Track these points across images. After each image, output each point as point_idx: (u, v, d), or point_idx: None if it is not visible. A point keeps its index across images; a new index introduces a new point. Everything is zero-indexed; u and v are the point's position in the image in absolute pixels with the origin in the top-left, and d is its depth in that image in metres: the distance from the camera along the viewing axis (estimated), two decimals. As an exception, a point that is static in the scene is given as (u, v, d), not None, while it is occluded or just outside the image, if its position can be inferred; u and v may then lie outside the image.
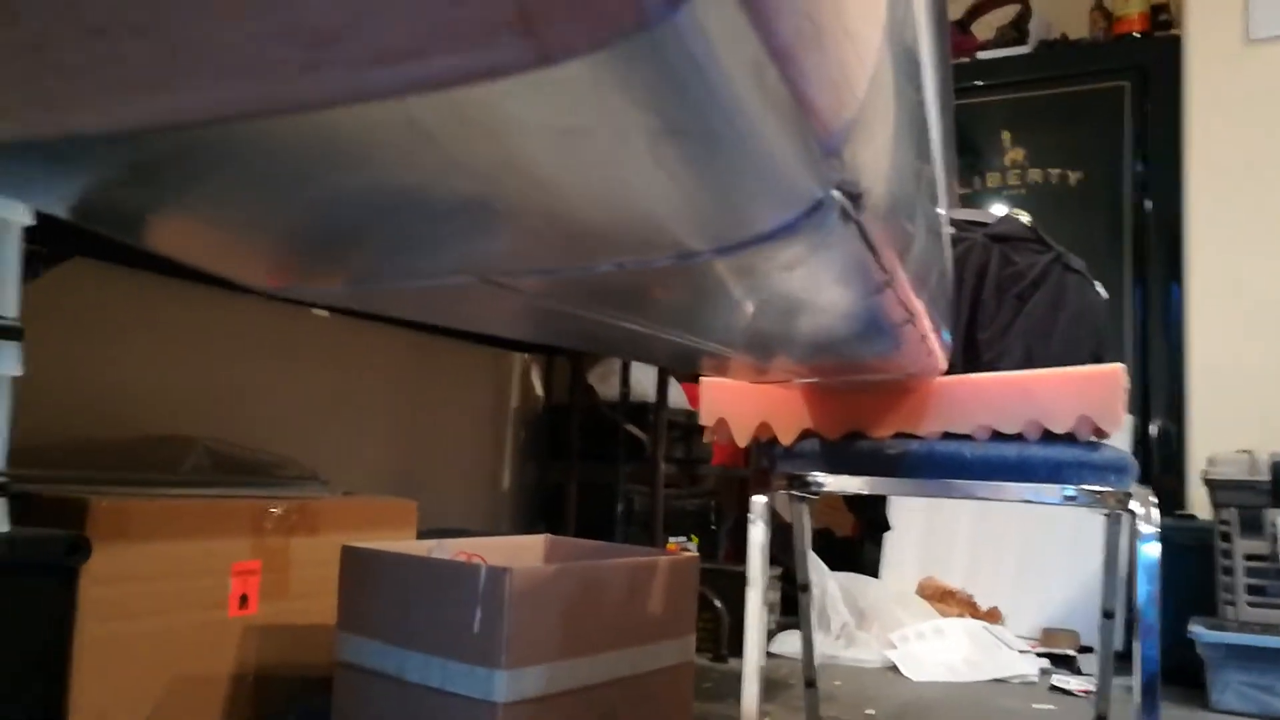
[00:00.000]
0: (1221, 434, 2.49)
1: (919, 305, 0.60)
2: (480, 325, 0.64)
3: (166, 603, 1.31)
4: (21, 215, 1.03)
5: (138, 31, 0.23)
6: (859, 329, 0.60)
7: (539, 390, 2.80)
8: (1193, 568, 2.23)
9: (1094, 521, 2.60)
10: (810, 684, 1.58)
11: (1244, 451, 2.16)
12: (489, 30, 0.21)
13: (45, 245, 1.32)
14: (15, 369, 1.01)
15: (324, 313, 2.04)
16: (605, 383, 2.59)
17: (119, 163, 0.32)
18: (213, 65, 0.24)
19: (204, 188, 0.34)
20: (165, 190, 0.36)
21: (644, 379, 2.55)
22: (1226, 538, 2.13)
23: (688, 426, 2.63)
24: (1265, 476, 2.10)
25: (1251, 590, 2.09)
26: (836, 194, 0.34)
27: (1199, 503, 2.36)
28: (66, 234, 1.32)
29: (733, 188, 0.31)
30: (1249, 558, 2.10)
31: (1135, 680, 1.09)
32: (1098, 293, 1.45)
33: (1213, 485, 2.16)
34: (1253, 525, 2.10)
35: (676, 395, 2.54)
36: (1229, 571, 2.12)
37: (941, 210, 0.67)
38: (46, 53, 0.25)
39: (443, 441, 2.44)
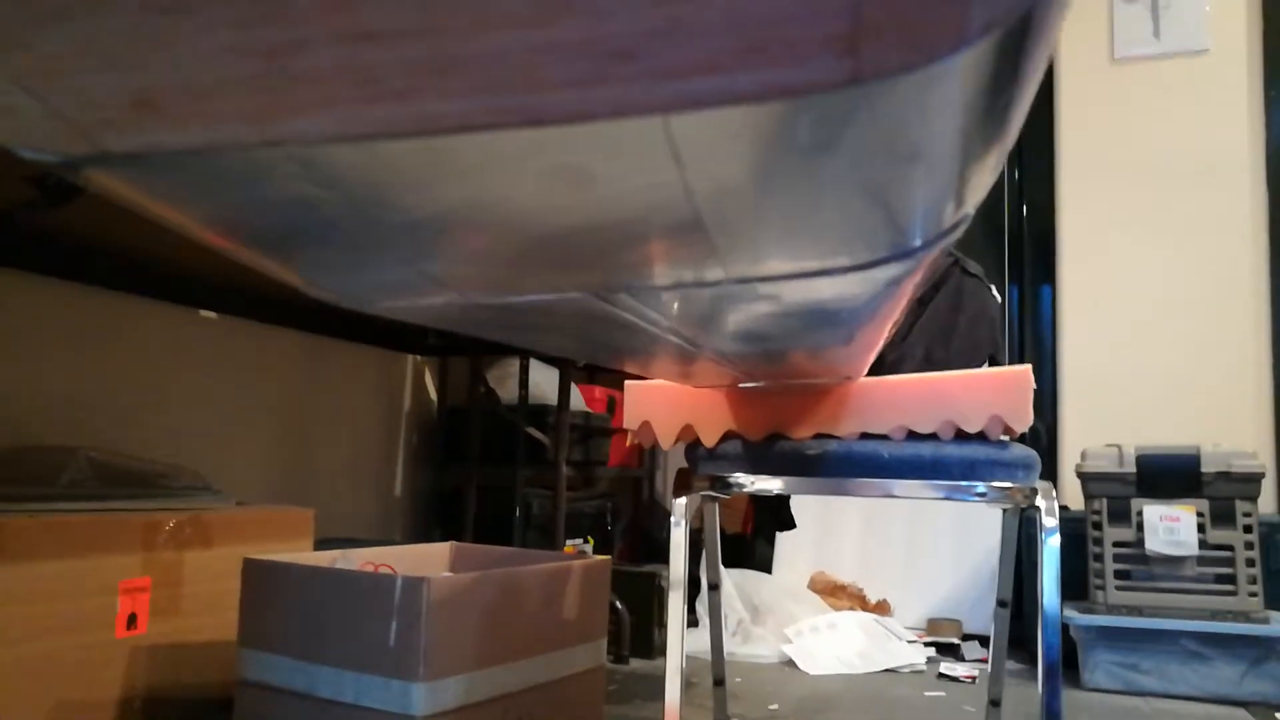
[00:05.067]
0: (1091, 430, 2.65)
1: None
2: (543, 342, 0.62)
3: (48, 625, 1.22)
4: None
5: (407, 38, 0.21)
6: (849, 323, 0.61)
7: (432, 393, 2.74)
8: (1067, 555, 2.35)
9: (976, 514, 2.72)
10: (719, 682, 1.59)
11: (1112, 445, 2.30)
12: (806, 49, 0.20)
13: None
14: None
15: (211, 314, 1.94)
16: (503, 385, 2.55)
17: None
18: (474, 77, 0.22)
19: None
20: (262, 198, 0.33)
21: (542, 381, 2.53)
22: (1097, 526, 2.26)
23: (585, 429, 2.62)
24: (1132, 469, 2.23)
25: (1119, 575, 2.22)
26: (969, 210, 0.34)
27: (1071, 495, 2.50)
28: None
29: (916, 207, 0.31)
30: (1117, 545, 2.23)
31: (1040, 666, 1.15)
32: (994, 296, 1.51)
33: (1084, 478, 2.29)
34: (1120, 514, 2.24)
35: (574, 398, 2.53)
36: (1099, 558, 2.25)
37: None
38: (292, 57, 0.22)
39: (334, 447, 2.36)
